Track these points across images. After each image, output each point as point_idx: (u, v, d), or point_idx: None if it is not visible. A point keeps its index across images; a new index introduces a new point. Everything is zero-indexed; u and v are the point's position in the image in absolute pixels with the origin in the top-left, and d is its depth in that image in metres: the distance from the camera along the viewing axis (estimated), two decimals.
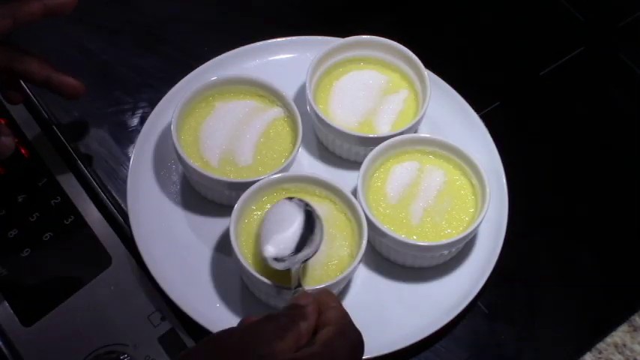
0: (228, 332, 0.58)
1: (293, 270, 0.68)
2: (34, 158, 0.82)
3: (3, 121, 0.77)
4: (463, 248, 0.79)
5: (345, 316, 0.60)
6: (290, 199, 0.73)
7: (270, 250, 0.70)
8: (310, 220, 0.71)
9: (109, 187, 0.81)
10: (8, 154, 0.74)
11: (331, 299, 0.61)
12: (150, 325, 0.74)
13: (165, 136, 0.82)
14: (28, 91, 0.85)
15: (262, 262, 0.72)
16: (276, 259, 0.69)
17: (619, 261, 0.83)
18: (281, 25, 0.93)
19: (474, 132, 0.86)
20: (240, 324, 0.60)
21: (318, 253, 0.72)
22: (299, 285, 0.67)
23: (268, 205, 0.76)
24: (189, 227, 0.79)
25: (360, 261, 0.72)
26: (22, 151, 0.82)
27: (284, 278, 0.72)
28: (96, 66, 0.90)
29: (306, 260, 0.70)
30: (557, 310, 0.80)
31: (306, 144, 0.85)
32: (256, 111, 0.82)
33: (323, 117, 0.80)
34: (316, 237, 0.71)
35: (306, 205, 0.72)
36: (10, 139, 0.74)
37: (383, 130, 0.82)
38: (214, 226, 0.79)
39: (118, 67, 0.90)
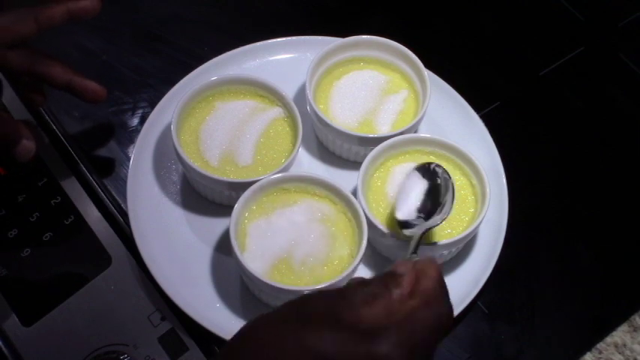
0: (315, 294, 0.55)
1: (414, 237, 0.69)
2: (34, 158, 0.82)
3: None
4: (463, 248, 0.79)
5: (438, 287, 0.56)
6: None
7: (400, 215, 0.72)
8: (440, 186, 0.74)
9: (109, 187, 0.82)
10: (28, 158, 0.74)
11: (432, 268, 0.57)
12: (150, 325, 0.74)
13: (165, 136, 0.82)
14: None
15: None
16: (406, 225, 0.72)
17: (619, 261, 0.83)
18: (281, 25, 0.93)
19: (473, 132, 0.86)
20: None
21: (318, 253, 0.73)
22: (414, 253, 0.67)
23: (270, 207, 0.76)
24: (189, 227, 0.79)
25: (360, 261, 0.72)
26: None
27: (285, 278, 0.72)
28: (96, 66, 0.90)
29: (432, 227, 0.72)
30: (557, 310, 0.80)
31: (306, 144, 0.85)
32: (256, 111, 0.82)
33: (323, 117, 0.80)
34: (447, 204, 0.73)
35: (444, 171, 0.75)
36: (31, 142, 0.74)
37: (383, 130, 0.82)
38: (214, 226, 0.79)
39: (118, 67, 0.90)
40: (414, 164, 0.79)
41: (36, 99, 0.80)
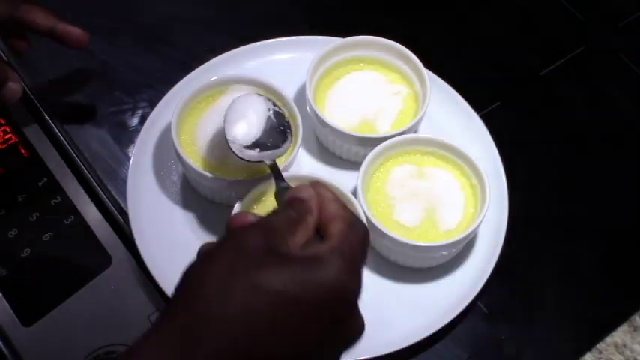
0: (248, 229, 0.55)
1: (268, 163, 0.68)
2: (34, 158, 0.82)
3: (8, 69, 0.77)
4: (463, 248, 0.79)
5: (345, 208, 0.58)
6: (258, 94, 0.73)
7: (237, 135, 0.70)
8: (279, 120, 0.72)
9: (109, 187, 0.81)
10: (16, 100, 0.75)
11: (326, 190, 0.59)
12: (150, 325, 0.74)
13: (165, 136, 0.82)
14: (27, 91, 0.85)
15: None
16: (245, 147, 0.70)
17: (619, 261, 0.83)
18: (281, 25, 0.93)
19: (473, 132, 0.86)
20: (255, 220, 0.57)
21: None
22: (284, 182, 0.67)
23: (270, 207, 0.76)
24: (189, 227, 0.79)
25: None
26: (22, 151, 0.82)
27: None
28: (96, 66, 0.90)
29: (276, 158, 0.70)
30: (557, 310, 0.80)
31: (306, 144, 0.85)
32: None
33: (323, 117, 0.80)
34: (287, 140, 0.72)
35: (274, 104, 0.73)
36: (18, 84, 0.75)
37: (383, 130, 0.82)
38: (214, 226, 0.79)
39: (118, 67, 0.90)
40: (414, 164, 0.80)
41: (20, 46, 0.79)
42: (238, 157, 0.71)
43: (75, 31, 0.77)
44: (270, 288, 0.50)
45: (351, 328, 0.55)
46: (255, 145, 0.72)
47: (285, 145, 0.73)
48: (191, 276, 0.53)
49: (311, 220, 0.56)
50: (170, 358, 0.49)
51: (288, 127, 0.74)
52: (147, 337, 0.50)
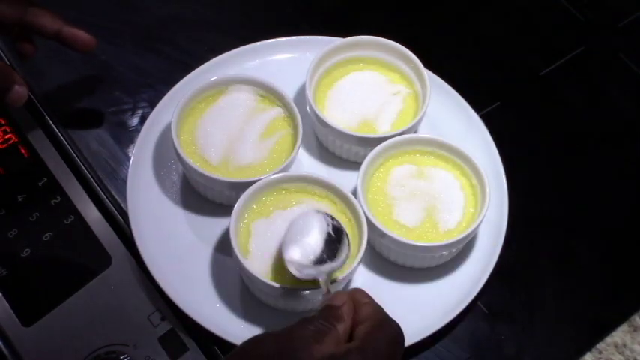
0: (262, 338, 0.57)
1: (321, 280, 0.68)
2: (34, 158, 0.82)
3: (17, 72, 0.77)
4: (463, 248, 0.79)
5: (379, 310, 0.59)
6: (317, 212, 0.72)
7: (294, 255, 0.69)
8: (337, 234, 0.71)
9: (109, 187, 0.81)
10: (21, 103, 0.76)
11: (363, 295, 0.60)
12: (150, 325, 0.74)
13: (165, 136, 0.82)
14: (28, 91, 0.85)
15: (270, 263, 0.72)
16: (299, 267, 0.69)
17: (619, 261, 0.83)
18: (281, 25, 0.93)
19: (473, 132, 0.86)
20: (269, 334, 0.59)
21: None
22: (328, 292, 0.67)
23: (270, 207, 0.76)
24: (189, 227, 0.79)
25: (360, 261, 0.72)
26: (22, 151, 0.82)
27: (285, 278, 0.72)
28: (96, 66, 0.90)
29: (331, 272, 0.69)
30: (557, 310, 0.80)
31: (306, 144, 0.85)
32: (256, 111, 0.82)
33: (323, 117, 0.80)
34: (343, 252, 0.70)
35: (332, 219, 0.72)
36: (23, 87, 0.75)
37: (383, 130, 0.82)
38: (214, 226, 0.79)
39: (118, 67, 0.90)
40: (414, 164, 0.80)
41: (26, 49, 0.80)
42: (297, 276, 0.69)
43: (81, 35, 0.77)
44: None
45: None
46: (312, 263, 0.70)
47: (341, 258, 0.70)
48: None
49: (341, 327, 0.57)
50: None
51: (347, 238, 0.72)
52: None
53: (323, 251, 0.70)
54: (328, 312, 0.59)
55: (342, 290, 0.63)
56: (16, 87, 0.75)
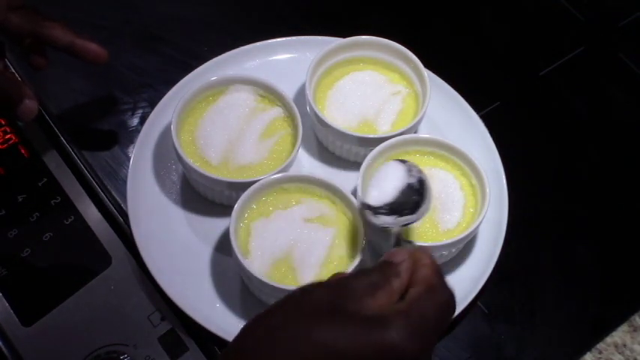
0: (315, 286, 0.55)
1: (394, 230, 0.66)
2: (34, 158, 0.82)
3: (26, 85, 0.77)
4: (463, 248, 0.79)
5: (436, 274, 0.57)
6: (403, 161, 0.72)
7: (373, 200, 0.68)
8: (421, 187, 0.70)
9: (109, 187, 0.82)
10: (32, 118, 0.76)
11: (425, 256, 0.58)
12: (150, 325, 0.74)
13: (165, 136, 0.82)
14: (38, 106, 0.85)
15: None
16: (375, 212, 0.68)
17: (619, 261, 0.83)
18: (281, 25, 0.93)
19: (473, 132, 0.86)
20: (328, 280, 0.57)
21: (317, 253, 0.73)
22: (396, 244, 0.66)
23: (270, 207, 0.76)
24: (189, 227, 0.79)
25: (360, 261, 0.72)
26: (22, 151, 0.82)
27: (285, 278, 0.72)
28: (96, 66, 0.90)
29: (407, 225, 0.68)
30: (557, 310, 0.80)
31: (306, 144, 0.85)
32: (256, 111, 0.82)
33: (323, 117, 0.80)
34: (423, 206, 0.69)
35: (419, 171, 0.71)
36: (34, 102, 0.75)
37: (383, 130, 0.82)
38: (214, 226, 0.79)
39: (118, 67, 0.90)
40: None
41: (38, 61, 0.80)
42: (372, 222, 0.69)
43: (93, 47, 0.77)
44: (319, 340, 0.51)
45: None
46: (388, 211, 0.69)
47: (420, 212, 0.69)
48: (250, 322, 0.54)
49: (397, 284, 0.56)
50: None
51: (429, 193, 0.71)
52: None
53: (402, 201, 0.69)
54: (386, 267, 0.57)
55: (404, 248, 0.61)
56: (26, 101, 0.75)
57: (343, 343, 0.51)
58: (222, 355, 0.53)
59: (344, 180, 0.79)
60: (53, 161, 0.82)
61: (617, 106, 0.94)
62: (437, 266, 0.58)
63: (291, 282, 0.71)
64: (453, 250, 0.77)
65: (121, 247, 0.78)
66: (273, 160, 0.79)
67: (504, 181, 0.82)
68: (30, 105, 0.75)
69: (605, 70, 0.97)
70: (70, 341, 0.73)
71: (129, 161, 0.81)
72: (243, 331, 0.54)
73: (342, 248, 0.74)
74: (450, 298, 0.57)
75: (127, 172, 0.81)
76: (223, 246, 0.78)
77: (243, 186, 0.75)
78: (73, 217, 0.79)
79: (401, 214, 0.69)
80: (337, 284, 0.55)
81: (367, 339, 0.51)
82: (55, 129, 0.84)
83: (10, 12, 0.75)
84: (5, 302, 0.74)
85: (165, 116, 0.83)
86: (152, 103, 0.85)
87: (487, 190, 0.77)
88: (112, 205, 0.80)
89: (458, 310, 0.75)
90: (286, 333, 0.52)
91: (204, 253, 0.78)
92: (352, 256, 0.73)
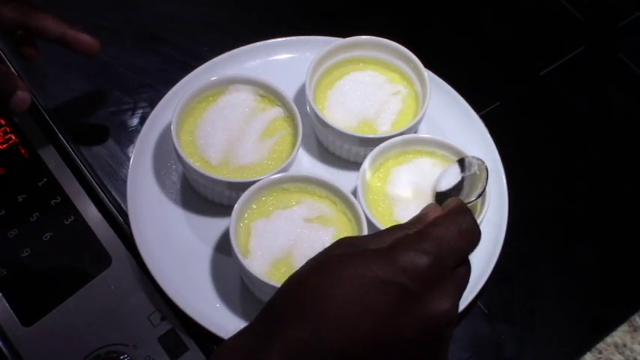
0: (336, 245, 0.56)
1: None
2: (34, 158, 0.82)
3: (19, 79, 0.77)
4: None
5: (467, 215, 0.57)
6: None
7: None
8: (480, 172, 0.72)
9: (109, 187, 0.82)
10: (24, 109, 0.76)
11: (460, 206, 0.58)
12: (150, 325, 0.74)
13: (165, 136, 0.82)
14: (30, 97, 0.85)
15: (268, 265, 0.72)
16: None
17: (619, 261, 0.83)
18: (281, 25, 0.93)
19: (473, 132, 0.86)
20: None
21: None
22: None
23: (270, 207, 0.76)
24: (189, 227, 0.79)
25: None
26: (22, 151, 0.82)
27: (285, 278, 0.72)
28: (96, 66, 0.90)
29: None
30: (557, 310, 0.80)
31: (306, 144, 0.85)
32: (256, 111, 0.82)
33: (323, 117, 0.80)
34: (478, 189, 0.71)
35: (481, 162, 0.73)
36: (26, 93, 0.76)
37: (383, 130, 0.82)
38: (214, 226, 0.79)
39: (118, 67, 0.90)
40: (414, 164, 0.79)
41: (29, 53, 0.80)
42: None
43: (85, 38, 0.77)
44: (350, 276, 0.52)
45: (431, 305, 0.53)
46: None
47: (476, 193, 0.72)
48: (285, 285, 0.55)
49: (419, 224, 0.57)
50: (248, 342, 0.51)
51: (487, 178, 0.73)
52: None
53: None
54: (419, 221, 0.57)
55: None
56: (19, 93, 0.75)
57: (370, 273, 0.51)
58: (286, 301, 0.53)
59: (344, 180, 0.79)
60: (53, 161, 0.82)
61: (617, 106, 0.94)
62: (466, 206, 0.58)
63: None
64: None
65: (121, 247, 0.78)
66: (273, 160, 0.79)
67: (504, 181, 0.82)
68: (22, 96, 0.75)
69: (605, 70, 0.97)
70: (70, 341, 0.73)
71: (129, 161, 0.81)
72: (281, 292, 0.54)
73: None
74: (474, 225, 0.57)
75: (127, 172, 0.81)
76: (223, 246, 0.78)
77: (243, 186, 0.75)
78: (73, 217, 0.79)
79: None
80: (373, 237, 0.57)
81: (386, 262, 0.52)
82: (55, 129, 0.84)
83: (2, 4, 0.75)
84: (5, 302, 0.74)
85: (165, 116, 0.83)
86: (152, 103, 0.85)
87: (487, 190, 0.77)
88: (112, 205, 0.80)
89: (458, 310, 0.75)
90: (356, 270, 0.52)
91: (204, 253, 0.78)
92: None
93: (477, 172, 0.73)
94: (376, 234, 0.57)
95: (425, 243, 0.53)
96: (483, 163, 0.73)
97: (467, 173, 0.74)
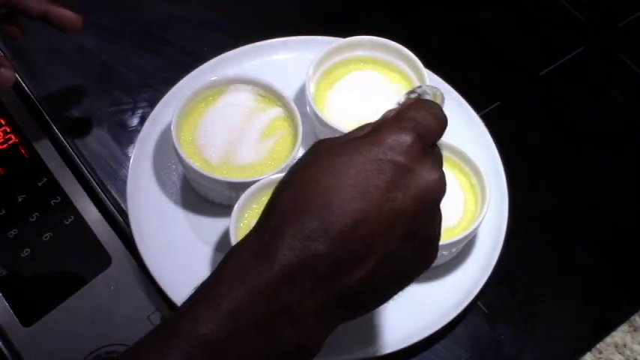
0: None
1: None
2: (34, 158, 0.82)
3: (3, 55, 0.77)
4: (463, 248, 0.79)
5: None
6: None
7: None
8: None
9: (109, 187, 0.81)
10: (10, 86, 0.75)
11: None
12: (150, 325, 0.74)
13: (165, 136, 0.82)
14: (27, 91, 0.85)
15: None
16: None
17: (619, 261, 0.83)
18: (281, 25, 0.93)
19: (473, 132, 0.86)
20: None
21: None
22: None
23: None
24: (190, 227, 0.79)
25: None
26: (22, 151, 0.82)
27: None
28: (96, 66, 0.90)
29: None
30: (557, 310, 0.80)
31: (306, 144, 0.85)
32: (256, 111, 0.82)
33: (323, 117, 0.80)
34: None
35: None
36: (10, 71, 0.75)
37: None
38: (214, 226, 0.79)
39: (118, 67, 0.90)
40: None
41: (13, 31, 0.79)
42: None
43: (68, 14, 0.77)
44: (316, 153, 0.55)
45: (423, 176, 0.55)
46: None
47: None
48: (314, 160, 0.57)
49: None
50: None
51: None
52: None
53: None
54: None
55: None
56: (2, 70, 0.74)
57: (362, 156, 0.54)
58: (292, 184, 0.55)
59: None
60: (53, 161, 0.82)
61: (617, 106, 0.94)
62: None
63: None
64: (453, 250, 0.77)
65: (121, 247, 0.78)
66: (273, 160, 0.79)
67: (504, 181, 0.82)
68: (6, 74, 0.75)
69: (605, 70, 0.97)
70: (70, 341, 0.73)
71: (129, 161, 0.81)
72: (311, 161, 0.55)
73: None
74: (438, 106, 0.60)
75: (127, 172, 0.81)
76: (223, 246, 0.78)
77: (243, 186, 0.75)
78: (72, 217, 0.79)
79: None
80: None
81: (374, 144, 0.55)
82: (55, 129, 0.84)
83: None
84: (5, 302, 0.74)
85: (165, 116, 0.83)
86: (152, 103, 0.85)
87: (487, 190, 0.77)
88: (112, 205, 0.80)
89: (458, 310, 0.75)
90: (354, 155, 0.54)
91: (204, 253, 0.78)
92: None
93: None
94: (355, 129, 0.59)
95: (405, 123, 0.56)
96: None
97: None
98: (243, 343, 0.50)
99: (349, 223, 0.52)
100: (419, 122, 0.56)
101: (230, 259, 0.53)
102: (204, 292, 0.53)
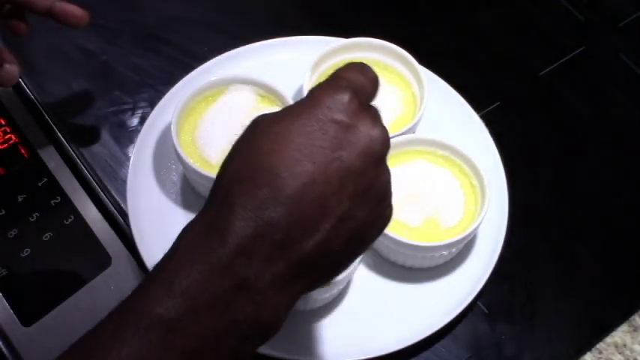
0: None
1: None
2: (34, 158, 0.82)
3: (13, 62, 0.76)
4: (463, 248, 0.79)
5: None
6: None
7: None
8: None
9: (109, 187, 0.81)
10: (13, 83, 0.75)
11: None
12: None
13: (166, 136, 0.82)
14: (27, 91, 0.85)
15: None
16: None
17: (619, 261, 0.83)
18: (281, 25, 0.93)
19: (473, 132, 0.86)
20: None
21: None
22: None
23: None
24: None
25: (360, 261, 0.72)
26: (22, 151, 0.82)
27: None
28: (96, 66, 0.90)
29: None
30: (557, 310, 0.80)
31: None
32: (256, 111, 0.82)
33: None
34: None
35: None
36: (15, 66, 0.74)
37: None
38: None
39: (118, 67, 0.90)
40: (414, 164, 0.80)
41: (19, 27, 0.78)
42: None
43: (74, 9, 0.76)
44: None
45: (365, 132, 0.55)
46: None
47: None
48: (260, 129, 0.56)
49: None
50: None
51: None
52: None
53: None
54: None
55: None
56: (7, 66, 0.74)
57: (303, 119, 0.53)
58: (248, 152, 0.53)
59: None
60: (53, 161, 0.82)
61: (617, 106, 0.94)
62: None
63: None
64: (453, 250, 0.77)
65: (121, 247, 0.78)
66: None
67: (504, 181, 0.82)
68: (10, 69, 0.74)
69: (605, 70, 0.97)
70: (70, 341, 0.72)
71: (129, 161, 0.81)
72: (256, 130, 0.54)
73: None
74: (368, 66, 0.59)
75: (127, 172, 0.81)
76: None
77: None
78: (72, 217, 0.79)
79: None
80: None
81: (313, 106, 0.54)
82: (55, 129, 0.84)
83: None
84: (5, 302, 0.74)
85: (165, 116, 0.83)
86: (152, 103, 0.85)
87: (487, 190, 0.77)
88: (112, 205, 0.80)
89: (458, 310, 0.75)
90: (302, 118, 0.54)
91: None
92: None
93: None
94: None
95: (339, 81, 0.56)
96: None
97: None
98: (199, 322, 0.49)
99: (298, 186, 0.51)
100: (352, 81, 0.56)
101: (182, 238, 0.52)
102: (157, 272, 0.52)
